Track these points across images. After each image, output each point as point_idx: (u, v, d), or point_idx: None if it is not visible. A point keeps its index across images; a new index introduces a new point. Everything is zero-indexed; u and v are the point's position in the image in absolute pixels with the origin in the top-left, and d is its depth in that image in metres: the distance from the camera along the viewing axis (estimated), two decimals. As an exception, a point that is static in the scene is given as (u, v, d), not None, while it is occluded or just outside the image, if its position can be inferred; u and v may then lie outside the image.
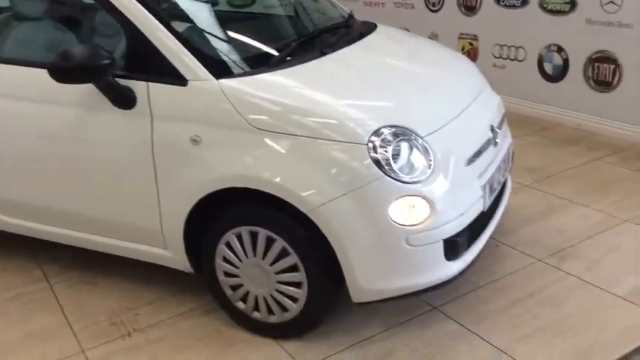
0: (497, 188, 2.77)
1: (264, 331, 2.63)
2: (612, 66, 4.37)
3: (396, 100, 2.54)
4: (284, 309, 2.53)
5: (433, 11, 5.69)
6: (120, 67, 2.51)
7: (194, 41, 2.50)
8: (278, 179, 2.31)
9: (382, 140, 2.30)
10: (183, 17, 2.66)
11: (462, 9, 5.40)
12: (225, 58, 2.53)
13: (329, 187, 2.28)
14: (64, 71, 2.42)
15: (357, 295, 2.42)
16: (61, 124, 2.70)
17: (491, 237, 3.19)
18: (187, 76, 2.43)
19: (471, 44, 5.42)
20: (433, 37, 5.74)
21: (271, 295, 2.52)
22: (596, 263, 2.97)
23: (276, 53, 2.65)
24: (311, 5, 3.37)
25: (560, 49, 4.70)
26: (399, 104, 2.52)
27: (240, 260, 2.52)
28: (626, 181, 3.78)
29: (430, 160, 2.37)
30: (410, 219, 2.32)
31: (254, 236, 2.46)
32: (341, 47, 2.82)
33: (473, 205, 2.49)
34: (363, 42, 2.97)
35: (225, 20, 2.78)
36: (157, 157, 2.51)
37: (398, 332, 2.60)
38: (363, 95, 2.51)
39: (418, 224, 2.32)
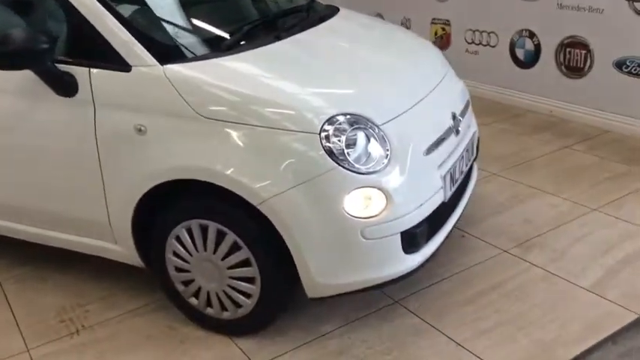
0: (460, 178, 2.67)
1: (218, 328, 2.53)
2: (583, 51, 4.29)
3: (352, 87, 2.43)
4: (237, 305, 2.42)
5: (406, -4, 5.57)
6: (61, 52, 2.38)
7: (138, 24, 2.36)
8: (227, 171, 2.19)
9: (336, 129, 2.20)
10: (128, -1, 2.52)
11: (434, -7, 5.29)
12: (171, 43, 2.40)
13: (280, 179, 2.17)
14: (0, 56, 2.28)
15: (311, 290, 2.32)
16: (4, 113, 2.56)
17: (456, 227, 3.12)
18: (131, 61, 2.30)
19: (443, 29, 5.32)
20: (405, 21, 5.64)
21: (224, 291, 2.42)
22: (562, 254, 2.90)
23: (227, 37, 2.52)
24: (271, -13, 3.24)
25: (532, 35, 4.61)
26: (355, 91, 2.41)
27: (190, 255, 2.41)
28: (595, 169, 3.72)
29: (387, 150, 2.27)
30: (365, 211, 2.22)
31: (205, 230, 2.35)
32: (298, 31, 2.71)
33: (432, 196, 2.40)
34: (323, 26, 2.85)
35: (174, 2, 2.63)
36: (100, 147, 2.38)
37: (356, 327, 2.51)
38: (316, 82, 2.40)
39: (374, 216, 2.23)
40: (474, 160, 3.05)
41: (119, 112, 2.33)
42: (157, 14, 2.50)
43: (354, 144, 2.22)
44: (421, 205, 2.33)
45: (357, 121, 2.24)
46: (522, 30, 4.67)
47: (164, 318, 2.64)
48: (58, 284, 2.93)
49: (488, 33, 4.93)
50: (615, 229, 3.07)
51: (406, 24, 5.64)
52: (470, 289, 2.70)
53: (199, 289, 2.47)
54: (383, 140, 2.27)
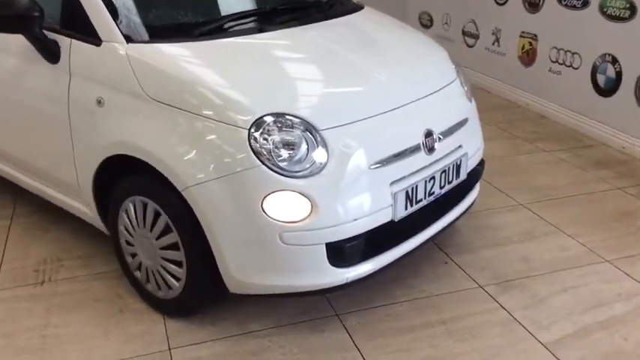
0: (428, 199, 2.49)
1: (156, 305, 2.58)
2: (664, 86, 3.82)
3: (305, 88, 2.37)
4: (169, 286, 2.46)
5: (499, 4, 5.26)
6: (53, 21, 2.53)
7: (116, 2, 2.45)
8: (159, 153, 2.23)
9: (267, 128, 2.15)
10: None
11: (526, 5, 4.94)
12: (141, 23, 2.45)
13: (204, 169, 2.17)
14: (-4, 19, 2.47)
15: (231, 285, 2.30)
16: (4, 70, 2.77)
17: (443, 252, 2.95)
18: (102, 36, 2.40)
19: (530, 44, 4.96)
20: (496, 32, 5.33)
21: (157, 270, 2.47)
22: (540, 301, 2.62)
23: (200, 24, 2.54)
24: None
25: (614, 61, 4.17)
26: (305, 93, 2.34)
27: (134, 229, 2.49)
28: (635, 218, 3.30)
29: (325, 156, 2.18)
30: (286, 215, 2.15)
31: (145, 207, 2.41)
32: (291, 26, 2.67)
33: (375, 213, 2.27)
34: (325, 24, 2.79)
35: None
36: (71, 113, 2.52)
37: (284, 332, 2.45)
38: (269, 79, 2.35)
39: (295, 222, 2.16)
40: (474, 183, 2.86)
41: (87, 83, 2.45)
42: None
43: (290, 145, 2.17)
44: (356, 219, 2.22)
45: (292, 123, 2.17)
46: (605, 54, 4.23)
47: (118, 286, 2.74)
48: (55, 236, 3.14)
49: (572, 53, 4.52)
50: (617, 285, 2.72)
51: (497, 34, 5.34)
52: (419, 318, 2.52)
53: (140, 263, 2.54)
54: (321, 145, 2.19)
